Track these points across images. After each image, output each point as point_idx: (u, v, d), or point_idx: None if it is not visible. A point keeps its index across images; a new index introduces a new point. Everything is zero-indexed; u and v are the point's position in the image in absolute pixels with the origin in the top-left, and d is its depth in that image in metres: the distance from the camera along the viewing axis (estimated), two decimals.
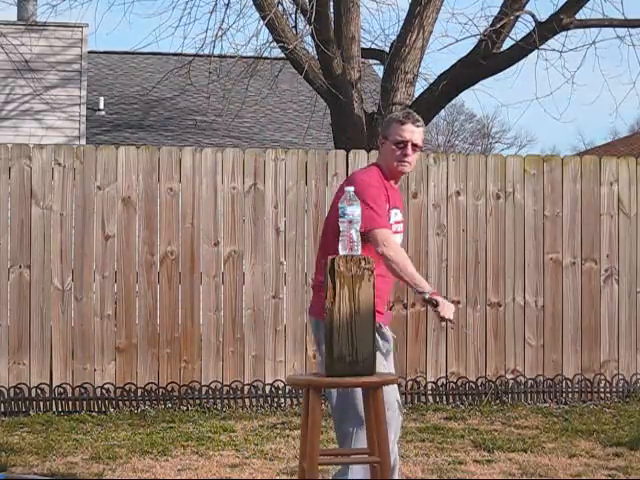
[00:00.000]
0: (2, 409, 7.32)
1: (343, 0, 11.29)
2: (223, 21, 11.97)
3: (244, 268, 7.67)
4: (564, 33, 11.18)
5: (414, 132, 4.34)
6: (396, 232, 4.34)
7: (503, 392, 7.95)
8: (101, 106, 17.32)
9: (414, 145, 4.34)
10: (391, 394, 4.19)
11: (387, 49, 11.94)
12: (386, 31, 21.31)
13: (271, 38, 11.58)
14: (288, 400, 7.68)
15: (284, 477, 5.54)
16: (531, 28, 10.95)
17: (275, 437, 6.64)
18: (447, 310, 4.11)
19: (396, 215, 4.37)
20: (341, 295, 3.61)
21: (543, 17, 11.05)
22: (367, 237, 4.09)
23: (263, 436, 6.65)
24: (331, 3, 11.54)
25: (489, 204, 8.05)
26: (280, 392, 7.67)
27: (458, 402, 7.88)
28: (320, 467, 3.73)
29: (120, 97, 18.20)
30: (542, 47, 11.06)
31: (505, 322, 8.01)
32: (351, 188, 3.84)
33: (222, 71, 12.61)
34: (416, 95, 11.74)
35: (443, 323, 4.25)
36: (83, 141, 14.93)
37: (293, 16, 12.17)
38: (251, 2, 11.53)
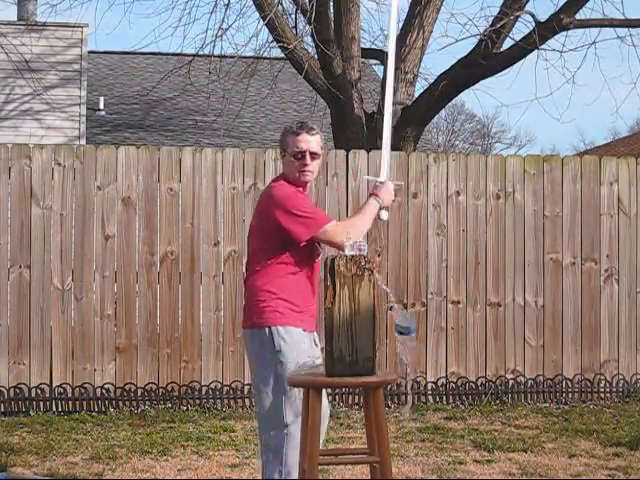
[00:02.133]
0: (2, 409, 7.32)
1: (343, 0, 11.29)
2: (223, 21, 11.99)
3: (244, 268, 7.65)
4: (564, 33, 11.17)
5: (310, 141, 4.39)
6: None
7: (503, 392, 7.95)
8: (101, 106, 17.32)
9: (312, 154, 4.38)
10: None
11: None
12: (386, 31, 21.24)
13: (271, 38, 11.59)
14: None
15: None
16: (531, 28, 10.94)
17: None
18: (384, 193, 4.48)
19: None
20: (341, 295, 3.61)
21: (543, 17, 11.05)
22: (321, 241, 4.27)
23: None
24: (331, 3, 11.55)
25: (489, 204, 8.05)
26: None
27: (458, 402, 7.88)
28: (320, 467, 3.73)
29: (120, 97, 18.20)
30: (542, 47, 11.06)
31: (505, 322, 8.01)
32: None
33: (222, 71, 12.61)
34: (416, 95, 11.74)
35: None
36: (83, 141, 14.93)
37: (293, 16, 12.19)
38: (251, 2, 11.54)
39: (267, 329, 4.21)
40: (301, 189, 4.41)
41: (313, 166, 4.40)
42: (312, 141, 4.41)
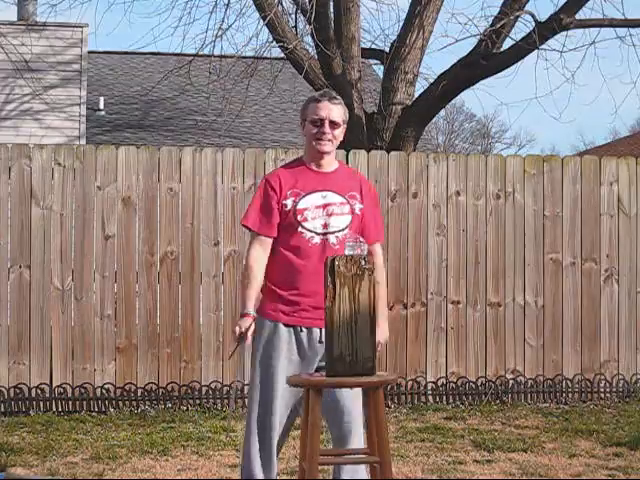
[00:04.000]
0: (2, 409, 7.31)
1: (343, 0, 11.29)
2: (223, 21, 12.02)
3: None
4: (564, 33, 11.19)
5: (331, 109, 4.24)
6: (314, 218, 4.23)
7: (503, 392, 7.95)
8: (101, 106, 17.32)
9: (332, 122, 4.24)
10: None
11: (387, 49, 11.94)
12: (386, 31, 21.28)
13: (271, 38, 11.60)
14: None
15: (284, 477, 5.53)
16: (531, 28, 10.95)
17: None
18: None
19: (322, 198, 4.25)
20: (341, 295, 3.61)
21: (543, 17, 11.07)
22: None
23: None
24: (331, 3, 11.55)
25: (489, 204, 8.05)
26: None
27: (458, 402, 7.88)
28: (320, 467, 3.73)
29: (120, 97, 18.20)
30: (542, 47, 11.07)
31: (505, 322, 8.01)
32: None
33: (222, 71, 12.62)
34: (416, 95, 11.75)
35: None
36: (83, 141, 14.94)
37: (293, 16, 12.20)
38: (251, 2, 11.55)
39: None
40: (314, 164, 4.30)
41: (333, 135, 4.26)
42: (334, 109, 4.25)
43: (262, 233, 4.30)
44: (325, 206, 4.25)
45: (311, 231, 4.22)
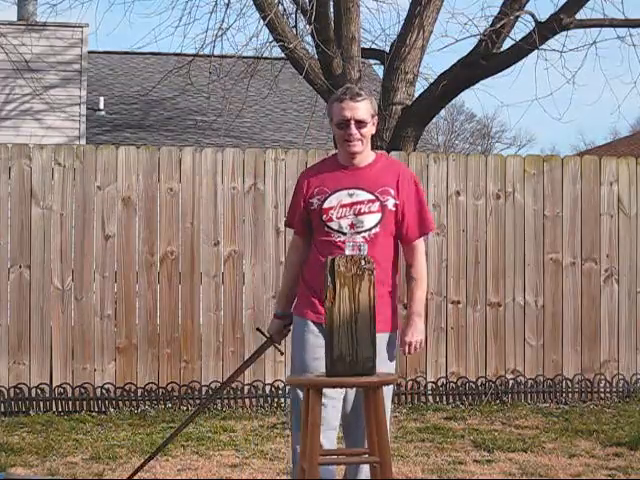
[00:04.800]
0: (2, 409, 7.32)
1: (343, 0, 11.29)
2: (223, 21, 12.04)
3: (244, 268, 7.67)
4: (564, 33, 11.18)
5: (355, 109, 4.09)
6: (340, 217, 4.12)
7: (503, 392, 7.95)
8: (101, 106, 17.32)
9: (358, 121, 4.10)
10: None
11: (387, 49, 11.95)
12: (386, 31, 21.34)
13: (271, 38, 11.60)
14: (288, 400, 7.67)
15: (284, 477, 5.54)
16: (531, 28, 10.95)
17: (275, 437, 6.64)
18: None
19: (348, 197, 4.14)
20: (341, 295, 3.61)
21: (543, 17, 11.06)
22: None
23: (263, 436, 6.65)
24: (331, 3, 11.55)
25: (489, 204, 8.05)
26: (280, 392, 7.67)
27: (458, 402, 7.88)
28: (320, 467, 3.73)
29: (120, 97, 18.20)
30: (542, 47, 11.06)
31: (505, 322, 8.01)
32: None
33: (222, 71, 12.62)
34: (416, 95, 11.74)
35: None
36: (83, 141, 14.94)
37: (293, 16, 12.20)
38: (251, 2, 11.55)
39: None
40: (348, 162, 4.18)
41: (361, 134, 4.10)
42: (358, 108, 4.08)
43: (292, 228, 4.38)
44: (352, 205, 4.13)
45: (337, 231, 4.12)
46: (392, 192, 4.16)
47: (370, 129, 4.17)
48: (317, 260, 4.12)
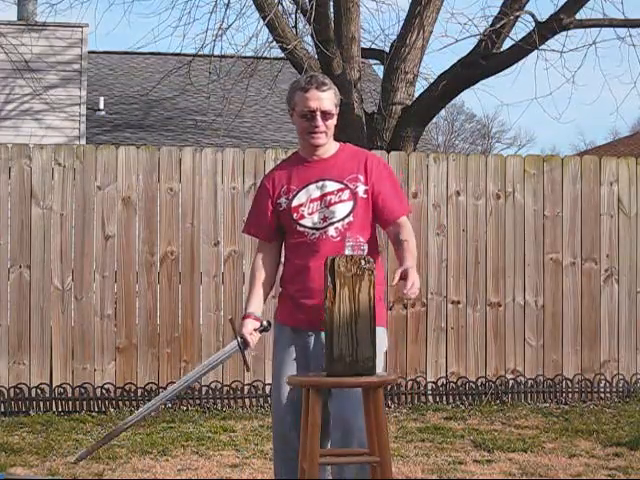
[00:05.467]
0: (2, 409, 7.32)
1: (343, 0, 11.28)
2: (223, 21, 12.01)
3: (244, 268, 7.66)
4: (564, 33, 11.18)
5: (322, 98, 3.89)
6: (312, 213, 3.95)
7: (503, 392, 7.95)
8: (101, 106, 17.31)
9: (324, 112, 3.90)
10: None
11: (387, 49, 11.94)
12: (386, 31, 21.34)
13: (271, 38, 11.59)
14: None
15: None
16: (531, 28, 10.95)
17: None
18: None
19: (317, 190, 3.97)
20: (341, 295, 3.60)
21: (543, 17, 11.06)
22: None
23: (263, 436, 6.64)
24: (331, 3, 11.54)
25: (489, 204, 8.05)
26: None
27: (458, 402, 7.88)
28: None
29: (120, 97, 18.20)
30: (542, 47, 11.06)
31: (505, 322, 8.01)
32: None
33: (222, 71, 12.61)
34: (416, 95, 11.74)
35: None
36: (83, 141, 14.93)
37: (293, 16, 12.18)
38: (251, 2, 11.54)
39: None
40: (310, 156, 4.00)
41: (326, 126, 3.92)
42: (323, 98, 3.89)
43: (251, 235, 4.26)
44: (322, 197, 3.95)
45: (311, 227, 3.95)
46: (361, 178, 3.98)
47: (334, 120, 3.99)
48: (292, 265, 4.01)
